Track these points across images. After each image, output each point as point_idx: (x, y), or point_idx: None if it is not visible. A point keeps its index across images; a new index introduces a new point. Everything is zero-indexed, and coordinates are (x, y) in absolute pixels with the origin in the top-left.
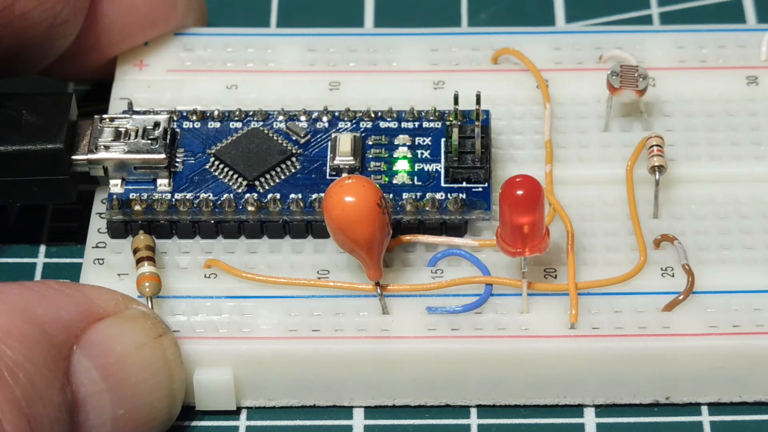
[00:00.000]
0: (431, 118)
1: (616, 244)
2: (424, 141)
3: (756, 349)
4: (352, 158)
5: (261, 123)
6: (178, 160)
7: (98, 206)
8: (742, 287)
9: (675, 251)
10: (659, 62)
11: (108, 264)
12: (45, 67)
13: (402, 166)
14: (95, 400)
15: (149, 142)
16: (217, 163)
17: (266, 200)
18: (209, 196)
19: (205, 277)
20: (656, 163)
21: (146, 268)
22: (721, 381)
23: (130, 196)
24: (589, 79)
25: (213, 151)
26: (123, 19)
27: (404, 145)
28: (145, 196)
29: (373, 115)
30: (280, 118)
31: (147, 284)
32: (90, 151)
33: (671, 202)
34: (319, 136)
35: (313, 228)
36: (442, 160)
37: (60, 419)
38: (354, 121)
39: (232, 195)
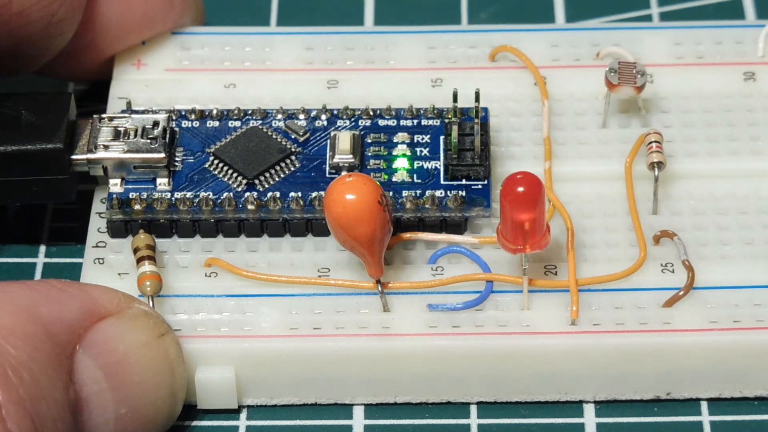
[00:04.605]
0: (430, 115)
1: (615, 240)
2: (423, 139)
3: (756, 345)
4: (351, 156)
5: (260, 122)
6: (177, 159)
7: (98, 206)
8: (742, 282)
9: (675, 247)
10: (657, 59)
11: (108, 263)
12: (42, 66)
13: (401, 163)
14: (98, 399)
15: (148, 141)
16: (216, 162)
17: (266, 199)
18: (209, 194)
19: (206, 275)
20: (655, 160)
21: (147, 267)
22: (722, 376)
23: (130, 196)
24: (587, 76)
25: (212, 150)
26: (120, 17)
27: (403, 142)
28: (144, 195)
29: (371, 113)
30: (279, 116)
31: (148, 283)
32: (89, 151)
33: (670, 198)
34: (318, 134)
35: (313, 226)
36: (442, 157)
37: (63, 418)
38: (353, 119)
39: (231, 194)
